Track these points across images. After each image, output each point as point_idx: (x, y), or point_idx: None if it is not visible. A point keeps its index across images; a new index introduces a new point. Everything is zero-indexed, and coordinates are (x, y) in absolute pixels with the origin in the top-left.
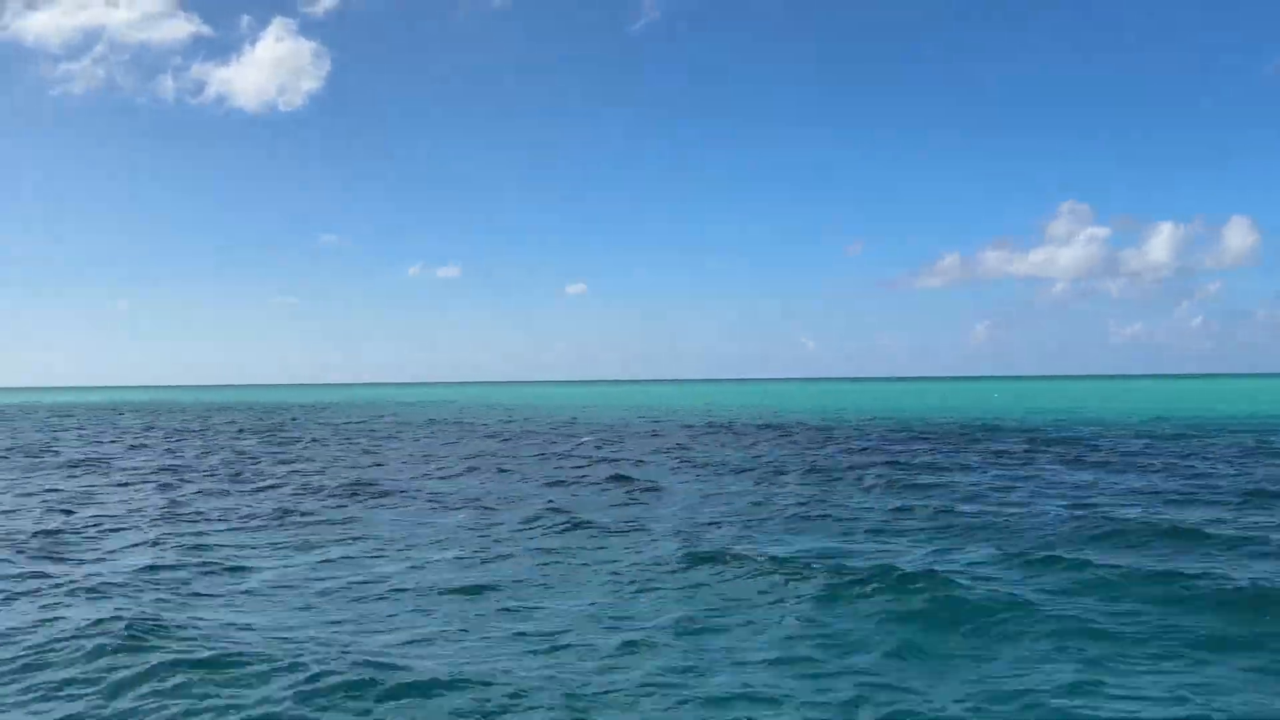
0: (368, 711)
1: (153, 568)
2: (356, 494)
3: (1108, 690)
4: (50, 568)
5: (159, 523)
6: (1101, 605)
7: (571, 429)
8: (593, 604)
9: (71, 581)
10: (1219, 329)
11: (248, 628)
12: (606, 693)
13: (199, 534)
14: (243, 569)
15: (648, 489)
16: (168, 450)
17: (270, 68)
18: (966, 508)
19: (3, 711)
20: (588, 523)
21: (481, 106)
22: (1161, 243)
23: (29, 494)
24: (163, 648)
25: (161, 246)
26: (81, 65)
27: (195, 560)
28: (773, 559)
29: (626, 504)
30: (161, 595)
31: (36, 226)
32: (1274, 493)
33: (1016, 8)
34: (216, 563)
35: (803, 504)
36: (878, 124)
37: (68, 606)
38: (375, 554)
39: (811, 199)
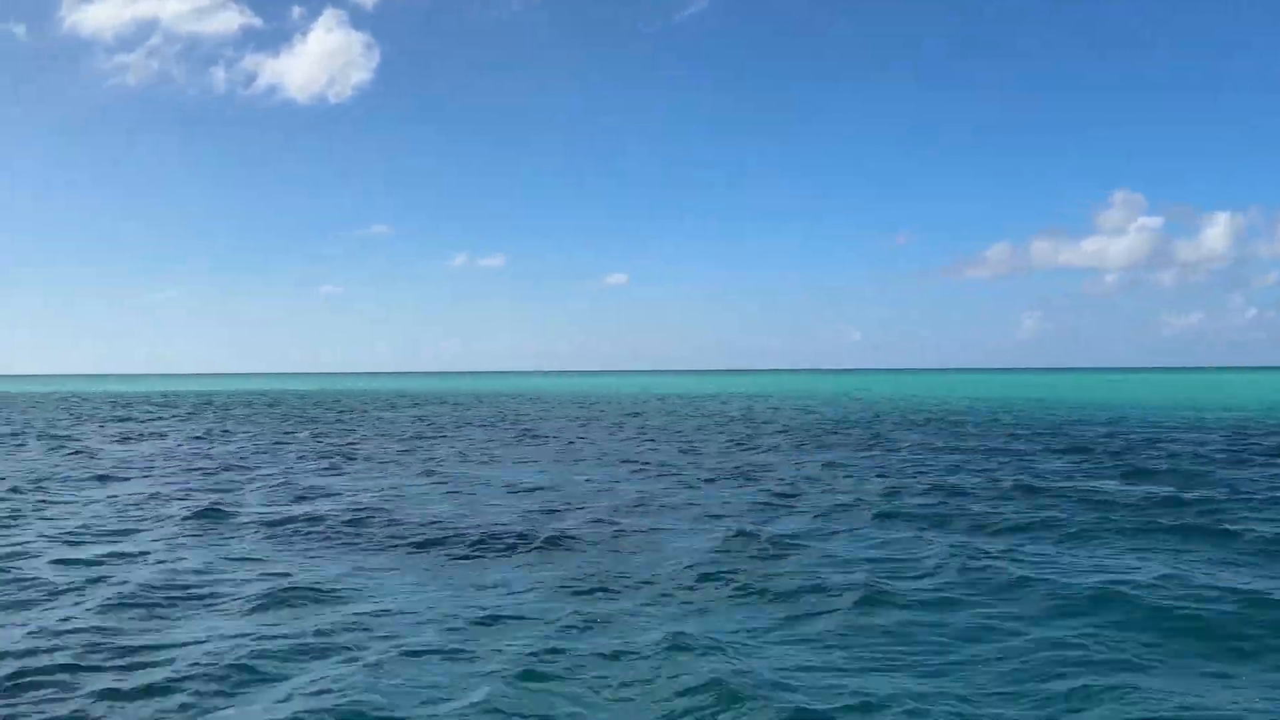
0: None
1: None
2: None
3: None
4: None
5: None
6: None
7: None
8: None
9: None
10: (1276, 319)
11: None
12: None
13: None
14: None
15: None
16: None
17: (320, 59)
18: None
19: None
20: None
21: (526, 98)
22: (1217, 232)
23: None
24: None
25: (210, 236)
26: (135, 57)
27: None
28: None
29: None
30: None
31: (88, 218)
32: None
33: None
34: None
35: None
36: (926, 115)
37: None
38: None
39: (858, 190)
